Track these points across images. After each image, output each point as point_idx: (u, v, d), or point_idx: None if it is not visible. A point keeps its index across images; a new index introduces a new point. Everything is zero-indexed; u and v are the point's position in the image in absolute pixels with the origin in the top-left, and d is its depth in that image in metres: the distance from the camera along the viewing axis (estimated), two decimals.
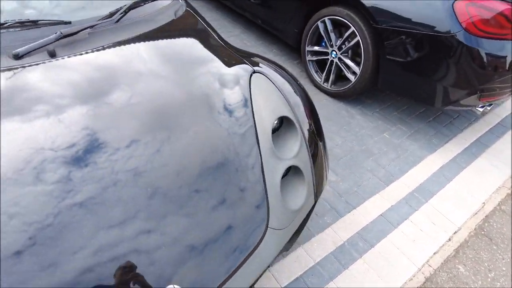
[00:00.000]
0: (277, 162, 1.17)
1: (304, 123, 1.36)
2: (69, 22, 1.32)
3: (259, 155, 1.15)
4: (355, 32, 2.44)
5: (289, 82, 1.45)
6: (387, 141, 2.47)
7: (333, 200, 1.97)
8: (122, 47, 1.32)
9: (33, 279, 0.74)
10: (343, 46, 2.61)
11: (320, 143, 1.41)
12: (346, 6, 2.47)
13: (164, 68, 1.27)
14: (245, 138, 1.16)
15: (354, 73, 2.59)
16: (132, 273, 0.83)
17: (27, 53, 1.14)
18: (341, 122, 2.58)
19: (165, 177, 0.98)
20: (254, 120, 1.21)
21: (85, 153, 0.95)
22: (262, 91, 1.30)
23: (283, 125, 1.30)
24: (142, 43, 1.37)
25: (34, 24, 1.25)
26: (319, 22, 2.67)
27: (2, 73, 1.07)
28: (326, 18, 2.60)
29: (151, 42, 1.38)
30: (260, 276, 1.09)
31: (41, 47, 1.16)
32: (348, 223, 1.86)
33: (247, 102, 1.24)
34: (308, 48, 2.86)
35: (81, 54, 1.22)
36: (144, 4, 1.55)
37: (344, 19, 2.47)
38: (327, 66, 2.75)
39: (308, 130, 1.35)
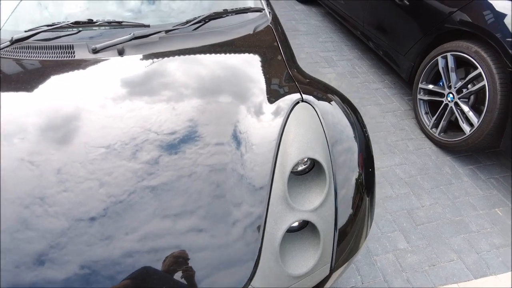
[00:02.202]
0: (286, 210, 0.97)
1: (354, 171, 1.11)
2: (148, 26, 1.41)
3: (267, 197, 0.97)
4: (482, 75, 1.95)
5: (347, 120, 1.21)
6: (496, 219, 1.89)
7: (390, 272, 1.59)
8: (181, 56, 1.34)
9: (92, 247, 0.82)
10: (464, 90, 2.12)
11: (367, 198, 1.14)
12: (477, 42, 2.00)
13: (205, 86, 1.21)
14: (258, 173, 1.00)
15: (471, 124, 2.08)
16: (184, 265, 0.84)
17: (103, 49, 1.30)
18: (439, 180, 2.09)
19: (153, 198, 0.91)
20: (276, 156, 1.03)
21: (178, 143, 1.03)
22: (300, 124, 1.10)
23: (313, 169, 1.08)
24: (202, 55, 1.35)
25: (119, 24, 1.39)
26: (439, 57, 2.24)
27: (82, 64, 1.27)
28: (448, 54, 2.17)
29: (212, 56, 1.35)
30: None
31: (115, 45, 1.30)
32: None
33: (277, 134, 1.07)
34: (421, 85, 2.44)
35: (146, 55, 1.30)
36: (228, 15, 1.54)
37: (470, 57, 2.00)
38: (439, 110, 2.29)
39: (356, 180, 1.10)
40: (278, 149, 1.04)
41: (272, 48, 1.45)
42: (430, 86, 2.38)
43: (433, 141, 2.35)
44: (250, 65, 1.34)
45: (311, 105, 1.16)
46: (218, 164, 0.99)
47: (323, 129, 1.11)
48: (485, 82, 1.93)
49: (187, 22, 1.44)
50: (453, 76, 2.17)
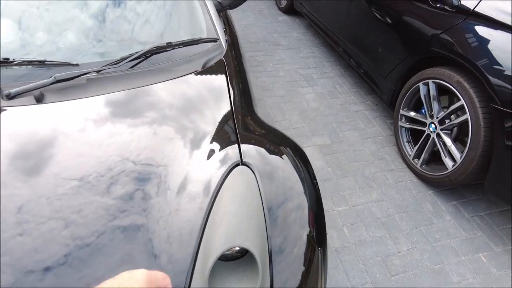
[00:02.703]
0: None
1: (304, 228, 0.96)
2: (77, 65, 1.22)
3: None
4: (464, 107, 1.78)
5: (297, 175, 1.05)
6: (480, 267, 1.71)
7: None
8: (107, 104, 1.14)
9: None
10: (447, 121, 1.95)
11: (319, 254, 0.97)
12: (460, 70, 1.83)
13: (121, 151, 1.00)
14: (174, 268, 0.81)
15: (454, 159, 1.91)
16: None
17: (18, 95, 1.10)
18: (419, 220, 1.92)
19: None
20: (200, 242, 0.84)
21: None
22: (234, 197, 0.91)
23: (247, 254, 0.89)
24: (130, 104, 1.15)
25: (42, 63, 1.20)
26: (421, 84, 2.07)
27: None
28: (430, 81, 1.99)
29: (141, 105, 1.15)
30: None
31: (32, 89, 1.10)
32: None
33: (203, 213, 0.88)
34: (402, 112, 2.27)
35: (67, 103, 1.10)
36: (173, 48, 1.35)
37: (453, 87, 1.83)
38: (421, 140, 2.12)
39: (307, 236, 0.95)
40: (203, 233, 0.85)
41: (219, 91, 1.26)
42: (412, 114, 2.21)
43: (415, 172, 2.18)
44: (186, 118, 1.13)
45: (251, 169, 0.98)
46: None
47: (262, 201, 0.92)
48: (467, 116, 1.76)
49: (122, 59, 1.25)
50: (435, 105, 2.00)
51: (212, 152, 1.02)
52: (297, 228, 0.95)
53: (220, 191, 0.93)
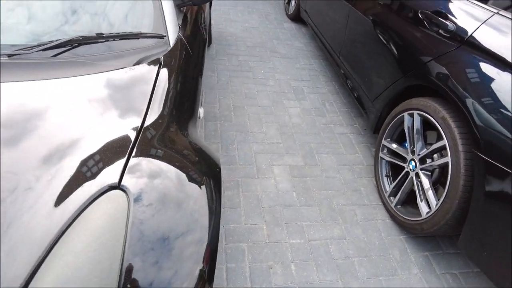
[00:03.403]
0: None
1: (198, 264, 0.78)
2: None
3: None
4: (446, 149, 1.54)
5: (207, 207, 0.87)
6: None
7: None
8: (13, 93, 0.97)
9: None
10: (428, 160, 1.71)
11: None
12: (447, 106, 1.59)
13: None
14: None
15: (429, 205, 1.66)
16: None
17: None
18: (381, 268, 1.68)
19: None
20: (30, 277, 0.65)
21: None
22: (91, 230, 0.72)
23: None
24: (39, 95, 0.98)
25: None
26: (406, 114, 1.83)
27: None
28: (415, 112, 1.76)
29: (48, 99, 0.98)
30: None
31: None
32: None
33: (42, 249, 0.69)
34: (385, 142, 2.03)
35: None
36: (106, 40, 1.18)
37: (437, 123, 1.59)
38: (400, 176, 1.88)
39: (200, 271, 0.76)
40: (40, 266, 0.66)
41: (140, 93, 1.07)
42: (394, 146, 1.97)
43: (389, 212, 1.94)
44: (87, 119, 0.95)
45: (127, 195, 0.78)
46: None
47: (125, 239, 0.72)
48: (448, 159, 1.51)
49: (39, 45, 1.09)
50: (418, 140, 1.76)
51: (88, 168, 0.82)
52: (191, 263, 0.78)
53: (77, 220, 0.73)
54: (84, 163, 0.82)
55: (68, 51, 1.13)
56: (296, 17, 4.08)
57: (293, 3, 4.12)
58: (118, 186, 0.78)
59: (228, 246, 1.65)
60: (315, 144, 2.36)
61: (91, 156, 0.84)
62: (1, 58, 1.05)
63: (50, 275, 0.65)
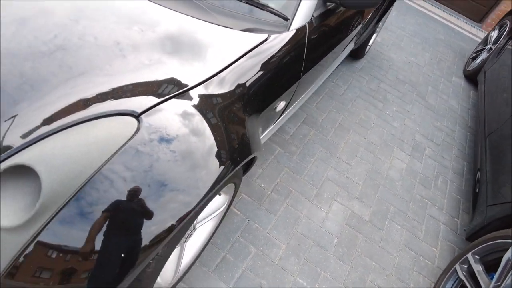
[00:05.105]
0: None
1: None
2: None
3: None
4: None
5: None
6: None
7: None
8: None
9: None
10: None
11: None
12: None
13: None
14: None
15: None
16: None
17: None
18: None
19: None
20: None
21: None
22: (94, 137, 0.75)
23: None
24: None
25: None
26: (457, 265, 1.42)
27: None
28: (470, 255, 1.33)
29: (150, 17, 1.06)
30: None
31: None
32: None
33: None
34: (470, 256, 1.60)
35: None
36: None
37: None
38: None
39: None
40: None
41: (219, 59, 1.06)
42: (478, 268, 1.55)
43: None
44: (163, 50, 0.99)
45: (138, 125, 0.79)
46: None
47: (105, 161, 0.73)
48: None
49: None
50: (507, 278, 1.34)
51: (131, 86, 0.86)
52: (168, 215, 0.79)
53: (89, 122, 0.78)
54: (132, 80, 0.87)
55: None
56: (472, 77, 3.51)
57: (478, 61, 3.54)
58: (137, 115, 0.80)
59: (239, 240, 1.59)
60: (395, 208, 2.05)
61: (142, 79, 0.89)
62: None
63: (36, 148, 0.71)
